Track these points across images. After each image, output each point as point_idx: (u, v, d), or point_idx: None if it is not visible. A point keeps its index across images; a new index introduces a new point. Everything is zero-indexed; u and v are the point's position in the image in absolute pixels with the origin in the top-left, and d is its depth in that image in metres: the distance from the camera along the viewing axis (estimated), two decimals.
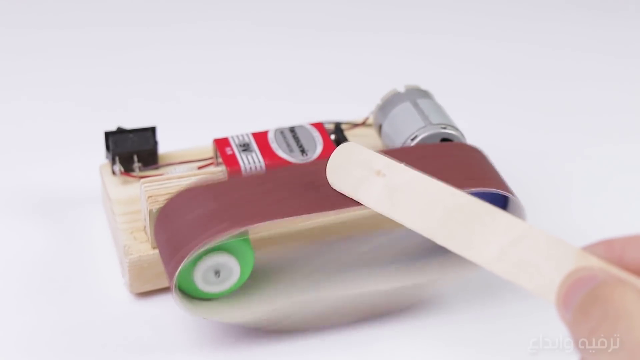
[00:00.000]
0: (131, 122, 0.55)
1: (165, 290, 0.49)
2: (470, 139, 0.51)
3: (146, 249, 0.48)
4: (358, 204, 0.43)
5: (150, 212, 0.46)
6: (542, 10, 0.80)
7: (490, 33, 0.77)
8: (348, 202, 0.44)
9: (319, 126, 0.53)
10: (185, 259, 0.42)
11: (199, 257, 0.44)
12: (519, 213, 0.47)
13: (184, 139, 0.55)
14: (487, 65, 0.73)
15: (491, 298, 0.49)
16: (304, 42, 0.75)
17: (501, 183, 0.47)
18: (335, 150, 0.45)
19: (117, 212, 0.50)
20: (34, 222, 0.54)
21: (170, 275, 0.43)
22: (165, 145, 0.55)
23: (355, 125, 0.56)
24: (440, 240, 0.38)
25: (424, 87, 0.55)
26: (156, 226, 0.45)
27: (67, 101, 0.67)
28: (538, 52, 0.75)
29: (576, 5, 0.81)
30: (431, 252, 0.49)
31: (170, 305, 0.48)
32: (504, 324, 0.48)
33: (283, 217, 0.43)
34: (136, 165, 0.52)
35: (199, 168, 0.52)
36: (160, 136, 0.54)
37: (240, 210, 0.43)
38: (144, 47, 0.74)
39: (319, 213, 0.43)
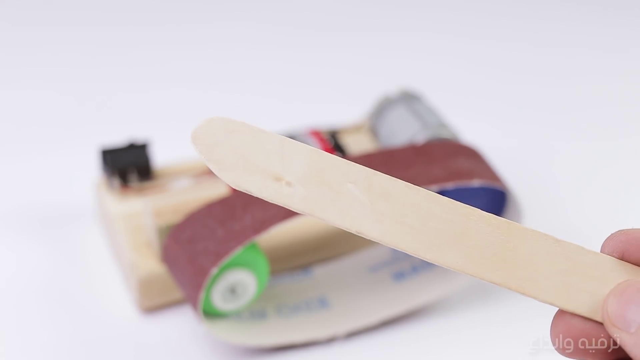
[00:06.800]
0: (118, 128, 0.54)
1: (172, 304, 0.49)
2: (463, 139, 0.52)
3: (154, 264, 0.47)
4: None
5: (160, 228, 0.46)
6: (538, 9, 0.81)
7: (481, 33, 0.77)
8: None
9: (315, 134, 0.53)
10: (209, 276, 0.42)
11: (216, 278, 0.44)
12: (516, 209, 0.48)
13: (177, 142, 0.54)
14: (477, 64, 0.73)
15: (491, 298, 0.50)
16: (294, 42, 0.75)
17: (500, 179, 0.48)
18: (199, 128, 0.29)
19: (120, 229, 0.49)
20: (23, 240, 0.53)
21: (196, 291, 0.43)
22: (158, 153, 0.54)
23: (348, 131, 0.56)
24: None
25: (410, 86, 0.56)
26: (168, 248, 0.45)
27: (50, 105, 0.66)
28: (531, 51, 0.75)
29: (571, 3, 0.82)
30: None
31: (178, 320, 0.48)
32: (504, 324, 0.49)
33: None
34: (134, 178, 0.51)
35: (197, 179, 0.52)
36: (152, 143, 0.54)
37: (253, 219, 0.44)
38: (127, 47, 0.73)
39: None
